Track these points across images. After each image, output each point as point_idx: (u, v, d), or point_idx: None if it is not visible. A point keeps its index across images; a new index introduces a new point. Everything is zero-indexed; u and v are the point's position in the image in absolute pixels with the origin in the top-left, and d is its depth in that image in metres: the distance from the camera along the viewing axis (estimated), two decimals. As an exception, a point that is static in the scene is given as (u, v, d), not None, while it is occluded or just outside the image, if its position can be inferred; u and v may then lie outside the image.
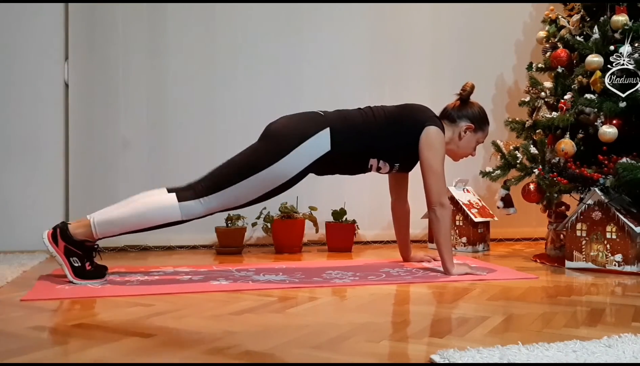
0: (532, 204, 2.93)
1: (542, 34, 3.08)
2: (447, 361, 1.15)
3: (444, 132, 2.34)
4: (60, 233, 2.07)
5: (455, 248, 3.18)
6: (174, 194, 2.13)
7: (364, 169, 2.36)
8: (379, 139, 2.28)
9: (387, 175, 2.57)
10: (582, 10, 2.85)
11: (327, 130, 2.20)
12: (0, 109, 3.04)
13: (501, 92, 3.68)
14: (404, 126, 2.30)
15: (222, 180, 2.15)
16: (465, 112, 2.43)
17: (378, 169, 2.37)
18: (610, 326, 1.51)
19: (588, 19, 2.83)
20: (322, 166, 2.27)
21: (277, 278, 2.20)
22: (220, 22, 3.25)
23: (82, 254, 2.08)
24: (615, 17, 2.56)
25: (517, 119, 3.12)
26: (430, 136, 2.29)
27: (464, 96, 2.45)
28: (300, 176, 2.22)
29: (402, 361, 1.23)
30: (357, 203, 3.28)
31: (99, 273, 2.12)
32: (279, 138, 2.19)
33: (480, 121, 2.43)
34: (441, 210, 2.28)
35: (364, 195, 3.32)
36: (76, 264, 2.07)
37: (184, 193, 2.14)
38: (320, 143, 2.19)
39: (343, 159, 2.28)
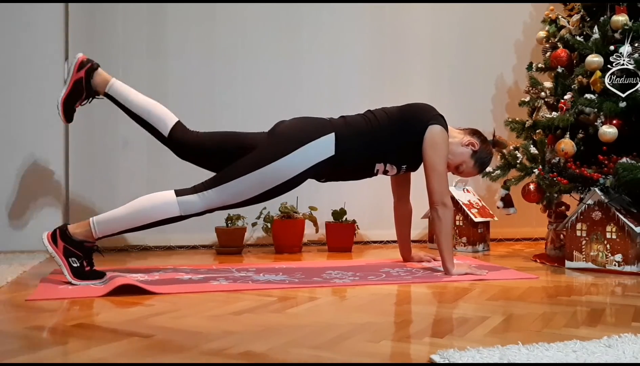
0: (532, 204, 2.92)
1: (542, 34, 3.07)
2: (447, 361, 1.15)
3: (447, 131, 2.34)
4: (60, 234, 2.08)
5: (455, 248, 3.18)
6: (172, 191, 2.14)
7: (370, 174, 2.36)
8: (384, 143, 2.28)
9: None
10: (582, 10, 2.85)
11: (332, 135, 2.21)
12: (0, 108, 3.03)
13: (501, 92, 3.68)
14: (407, 126, 2.30)
15: (222, 175, 2.16)
16: (482, 141, 2.46)
17: (385, 172, 2.37)
18: (610, 326, 1.51)
19: (588, 19, 2.83)
20: (327, 171, 2.27)
21: (277, 278, 2.20)
22: (220, 22, 3.24)
23: (81, 255, 2.08)
24: (615, 17, 2.56)
25: (517, 119, 3.12)
26: (435, 135, 2.29)
27: (493, 141, 2.53)
28: (301, 178, 2.21)
29: (402, 361, 1.23)
30: (357, 203, 3.28)
31: (98, 273, 2.11)
32: (284, 137, 2.19)
33: (480, 159, 2.45)
34: (443, 210, 2.28)
35: (364, 195, 3.32)
36: (75, 265, 2.05)
37: (184, 190, 2.15)
38: (324, 146, 2.19)
39: (349, 165, 2.28)
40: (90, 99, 2.37)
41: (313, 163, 2.19)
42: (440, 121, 2.32)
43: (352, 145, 2.23)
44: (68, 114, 2.35)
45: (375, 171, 2.35)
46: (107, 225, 2.11)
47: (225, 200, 2.16)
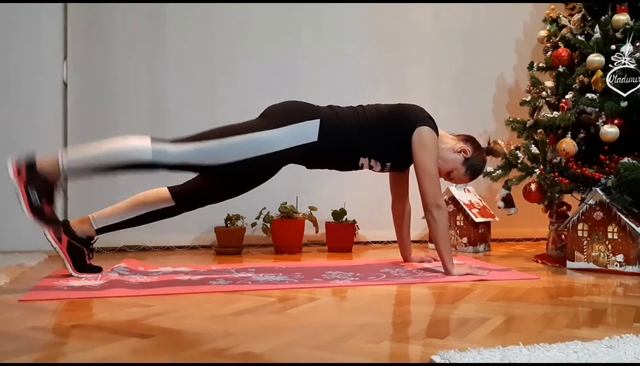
0: (533, 204, 2.92)
1: (543, 33, 3.07)
2: (448, 362, 1.15)
3: (437, 133, 2.33)
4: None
5: (456, 249, 3.17)
6: (148, 137, 2.08)
7: (354, 166, 2.36)
8: (368, 138, 2.27)
9: (387, 174, 2.57)
10: (583, 10, 2.84)
11: (318, 121, 2.20)
12: (0, 108, 3.03)
13: (502, 92, 3.67)
14: (395, 125, 2.29)
15: (205, 134, 2.13)
16: (475, 148, 2.43)
17: (370, 168, 2.37)
18: (612, 327, 1.51)
19: (589, 18, 2.83)
20: (310, 158, 2.27)
21: (277, 279, 2.19)
22: (220, 22, 3.24)
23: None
24: (616, 17, 2.56)
25: (518, 118, 3.12)
26: (423, 136, 2.28)
27: (487, 149, 2.50)
28: (279, 158, 2.18)
29: (403, 362, 1.22)
30: (357, 203, 3.28)
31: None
32: (271, 115, 2.22)
33: (472, 166, 2.42)
34: (438, 211, 2.27)
35: (364, 195, 3.31)
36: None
37: (161, 138, 2.10)
38: (307, 130, 2.19)
39: (331, 155, 2.28)
40: (91, 249, 2.26)
41: (293, 145, 2.17)
42: (430, 123, 2.31)
43: (336, 135, 2.23)
44: (94, 269, 2.24)
45: (360, 165, 2.34)
46: (79, 164, 2.08)
47: (200, 158, 2.09)
